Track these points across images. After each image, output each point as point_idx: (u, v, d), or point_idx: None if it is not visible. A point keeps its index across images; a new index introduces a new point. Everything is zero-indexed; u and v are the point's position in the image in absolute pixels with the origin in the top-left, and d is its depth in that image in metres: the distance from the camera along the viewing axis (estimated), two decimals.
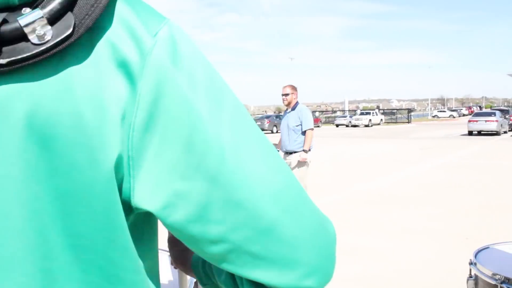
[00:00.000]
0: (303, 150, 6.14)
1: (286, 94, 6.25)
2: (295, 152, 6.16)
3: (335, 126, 49.82)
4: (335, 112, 76.37)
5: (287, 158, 6.24)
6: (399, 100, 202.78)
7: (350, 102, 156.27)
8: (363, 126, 46.92)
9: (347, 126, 48.31)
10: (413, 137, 26.21)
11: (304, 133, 6.17)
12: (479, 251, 1.91)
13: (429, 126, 43.64)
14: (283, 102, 6.35)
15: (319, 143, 23.13)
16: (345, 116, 52.52)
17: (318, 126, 50.15)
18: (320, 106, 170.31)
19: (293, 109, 6.27)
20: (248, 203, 0.49)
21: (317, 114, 63.09)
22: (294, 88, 6.32)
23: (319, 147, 20.09)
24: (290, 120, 6.23)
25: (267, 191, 0.50)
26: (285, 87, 6.35)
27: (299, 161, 6.10)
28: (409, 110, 60.18)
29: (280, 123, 6.89)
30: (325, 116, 67.18)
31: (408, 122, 53.42)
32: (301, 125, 6.17)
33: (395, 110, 62.55)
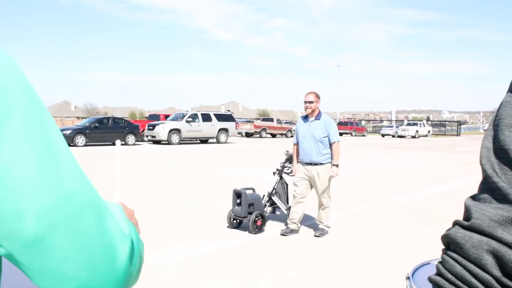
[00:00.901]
0: (335, 165, 5.99)
1: (310, 102, 6.01)
2: (320, 164, 6.01)
3: (381, 136, 48.98)
4: (382, 121, 75.01)
5: (309, 168, 6.08)
6: (450, 112, 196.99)
7: (399, 112, 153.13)
8: (409, 137, 45.89)
9: (393, 136, 47.40)
10: (459, 151, 25.44)
11: (330, 145, 6.03)
12: (419, 267, 1.89)
13: (479, 140, 42.15)
14: (306, 110, 6.09)
15: (362, 152, 22.81)
16: (391, 126, 51.58)
17: (363, 136, 49.49)
18: (368, 115, 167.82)
19: (317, 118, 6.07)
20: (12, 217, 0.51)
21: (363, 123, 62.13)
22: (317, 96, 6.08)
23: (360, 156, 19.82)
24: (314, 130, 6.01)
25: (34, 206, 0.52)
26: (308, 94, 6.09)
27: (326, 174, 5.99)
28: (459, 123, 58.45)
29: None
30: (372, 126, 66.19)
31: (457, 135, 51.91)
32: (328, 136, 6.01)
33: (445, 122, 60.85)
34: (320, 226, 6.21)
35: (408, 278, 1.72)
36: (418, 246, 5.71)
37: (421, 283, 1.68)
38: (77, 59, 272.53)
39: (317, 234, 6.12)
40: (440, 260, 0.67)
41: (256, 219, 6.21)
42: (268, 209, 6.70)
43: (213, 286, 4.29)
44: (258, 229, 6.23)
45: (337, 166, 6.02)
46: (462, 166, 16.43)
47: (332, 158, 6.06)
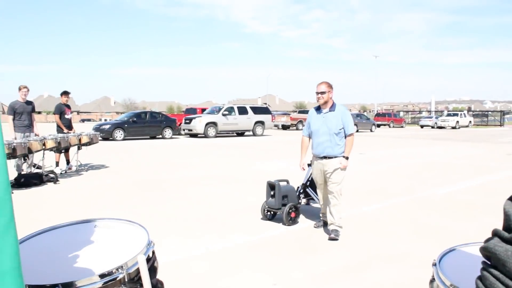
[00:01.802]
0: (345, 157, 5.64)
1: (323, 92, 5.65)
2: (335, 157, 5.66)
3: (419, 127, 48.02)
4: (421, 112, 73.49)
5: (324, 162, 5.71)
6: (493, 102, 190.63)
7: (439, 103, 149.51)
8: (449, 128, 44.79)
9: (432, 127, 46.40)
10: (502, 142, 24.62)
11: (345, 137, 5.68)
12: (445, 253, 1.80)
13: None
14: (318, 101, 5.74)
15: (400, 143, 22.40)
16: (430, 117, 50.48)
17: (402, 127, 48.65)
18: (407, 105, 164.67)
19: (331, 109, 5.71)
20: None
21: (401, 114, 60.99)
22: (330, 86, 5.72)
23: (398, 148, 19.47)
24: (329, 122, 5.67)
25: None
26: (320, 84, 5.72)
27: (339, 166, 5.64)
28: (503, 112, 56.58)
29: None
30: (411, 116, 64.99)
31: (501, 125, 50.35)
32: (343, 128, 5.67)
33: (487, 112, 59.10)
34: (333, 227, 5.73)
35: (434, 264, 1.66)
36: (455, 239, 5.55)
37: (448, 270, 1.61)
38: (116, 54, 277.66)
39: (332, 236, 5.65)
40: (480, 275, 0.61)
41: (290, 211, 6.18)
42: (302, 201, 6.65)
43: (245, 278, 4.29)
44: (292, 221, 6.20)
45: (347, 158, 5.68)
46: (505, 158, 15.90)
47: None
